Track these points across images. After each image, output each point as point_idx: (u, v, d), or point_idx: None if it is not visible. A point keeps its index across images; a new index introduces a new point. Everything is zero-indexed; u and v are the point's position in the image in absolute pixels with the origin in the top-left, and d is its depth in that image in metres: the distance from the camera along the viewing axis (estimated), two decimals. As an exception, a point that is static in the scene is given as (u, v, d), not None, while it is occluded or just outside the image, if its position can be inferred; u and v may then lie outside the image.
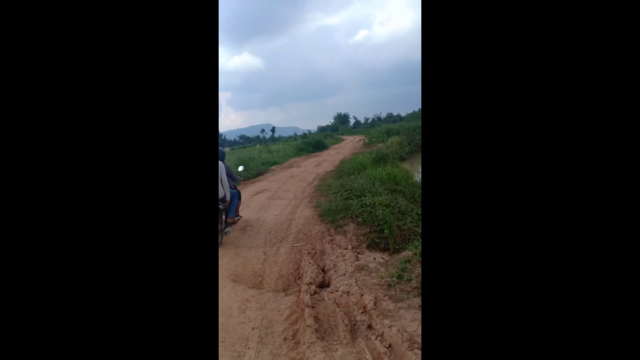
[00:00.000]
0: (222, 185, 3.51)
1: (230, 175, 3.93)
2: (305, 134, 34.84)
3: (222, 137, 73.44)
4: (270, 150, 17.77)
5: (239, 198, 4.12)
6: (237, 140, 73.64)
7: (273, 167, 12.15)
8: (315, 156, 14.98)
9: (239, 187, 4.47)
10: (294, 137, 44.11)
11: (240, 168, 5.39)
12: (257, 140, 61.13)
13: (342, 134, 31.66)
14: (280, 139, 51.46)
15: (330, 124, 57.24)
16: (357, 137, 27.42)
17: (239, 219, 4.10)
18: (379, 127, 27.08)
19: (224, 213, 3.63)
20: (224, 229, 3.66)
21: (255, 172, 10.33)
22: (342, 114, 60.34)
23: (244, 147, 40.54)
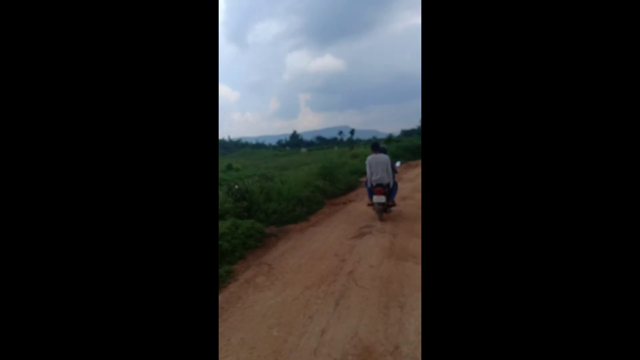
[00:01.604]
0: (387, 174, 4.52)
1: (392, 167, 4.70)
2: (390, 136, 31.12)
3: (300, 138, 73.85)
4: (355, 154, 14.75)
5: (397, 188, 4.97)
6: (314, 141, 73.22)
7: (364, 179, 9.08)
8: (418, 166, 11.47)
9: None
10: (375, 140, 40.64)
11: (398, 163, 5.47)
12: (335, 142, 59.28)
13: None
14: (358, 142, 48.65)
15: (415, 127, 52.10)
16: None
17: (395, 205, 4.93)
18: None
19: (386, 197, 4.52)
20: (387, 208, 4.64)
21: (343, 186, 7.37)
22: (429, 117, 54.36)
23: (321, 149, 38.68)
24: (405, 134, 46.73)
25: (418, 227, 4.21)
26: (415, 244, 3.53)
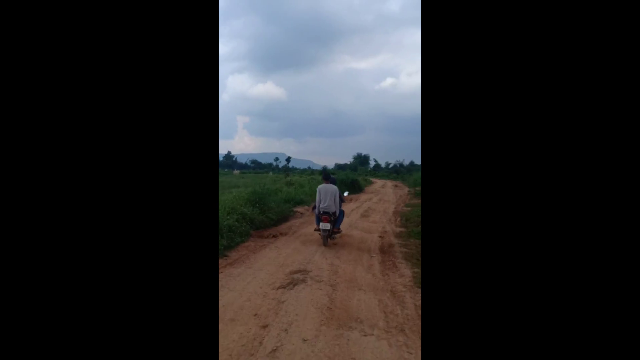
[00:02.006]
0: (334, 203, 4.84)
1: (340, 197, 5.03)
2: (325, 168, 31.44)
3: (234, 159, 70.98)
4: (290, 182, 14.01)
5: (343, 216, 5.21)
6: (249, 164, 71.04)
7: (299, 209, 8.31)
8: (352, 200, 11.17)
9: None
10: (310, 170, 40.87)
11: (346, 193, 5.91)
12: (270, 167, 58.24)
13: (361, 175, 27.49)
14: (294, 170, 48.49)
15: (349, 162, 54.28)
16: (388, 182, 23.72)
17: (340, 232, 5.09)
18: (417, 174, 23.30)
19: (332, 224, 4.76)
20: (331, 235, 4.86)
21: (275, 215, 6.46)
22: (363, 154, 57.43)
23: (256, 173, 37.35)
24: (339, 167, 48.24)
25: (359, 274, 3.52)
26: (359, 301, 2.79)
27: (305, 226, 6.40)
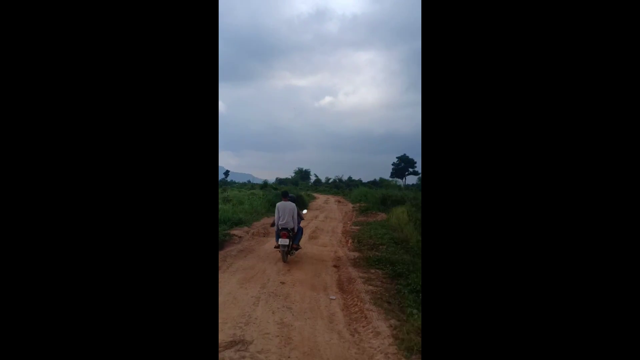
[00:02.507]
0: (293, 220, 4.98)
1: (298, 214, 5.21)
2: (266, 182, 30.03)
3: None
4: (227, 198, 12.45)
5: (302, 233, 5.49)
6: (182, 177, 65.64)
7: (236, 232, 7.00)
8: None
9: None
10: (250, 185, 39.01)
11: (304, 211, 6.42)
12: (206, 181, 54.37)
13: (303, 190, 26.67)
14: (233, 184, 45.92)
15: (290, 177, 53.43)
16: (331, 197, 23.29)
17: (299, 249, 5.29)
18: (357, 190, 23.28)
19: (291, 240, 4.92)
20: (290, 251, 5.00)
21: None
22: (304, 169, 57.14)
23: (189, 187, 34.16)
24: (280, 182, 47.10)
25: (320, 337, 2.53)
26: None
27: (245, 255, 5.22)
